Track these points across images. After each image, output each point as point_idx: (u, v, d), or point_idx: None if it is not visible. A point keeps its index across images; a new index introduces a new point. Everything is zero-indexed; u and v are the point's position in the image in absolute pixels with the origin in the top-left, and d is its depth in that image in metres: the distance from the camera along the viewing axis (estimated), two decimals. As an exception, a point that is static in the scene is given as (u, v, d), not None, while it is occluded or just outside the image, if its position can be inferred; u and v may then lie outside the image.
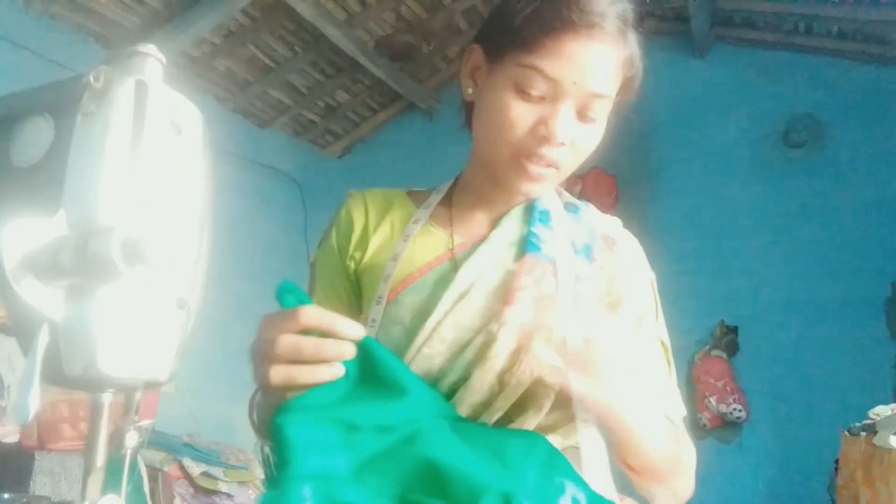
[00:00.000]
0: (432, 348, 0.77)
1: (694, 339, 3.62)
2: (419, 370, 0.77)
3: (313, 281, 0.91)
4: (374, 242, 0.87)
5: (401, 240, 0.84)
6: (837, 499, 2.54)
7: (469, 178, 0.90)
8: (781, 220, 3.65)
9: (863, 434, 2.30)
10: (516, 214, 0.86)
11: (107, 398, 0.50)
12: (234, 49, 3.83)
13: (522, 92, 0.75)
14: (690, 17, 3.67)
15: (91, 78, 0.49)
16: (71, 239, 0.46)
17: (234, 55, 3.87)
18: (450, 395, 0.76)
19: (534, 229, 0.83)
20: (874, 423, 2.27)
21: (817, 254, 3.53)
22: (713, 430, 3.53)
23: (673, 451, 0.72)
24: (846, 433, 2.43)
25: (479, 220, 0.87)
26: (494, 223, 0.86)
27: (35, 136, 0.51)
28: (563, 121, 0.75)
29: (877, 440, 2.20)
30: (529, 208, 0.86)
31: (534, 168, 0.77)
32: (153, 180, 0.51)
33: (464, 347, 0.77)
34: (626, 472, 0.74)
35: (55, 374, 0.47)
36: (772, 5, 3.59)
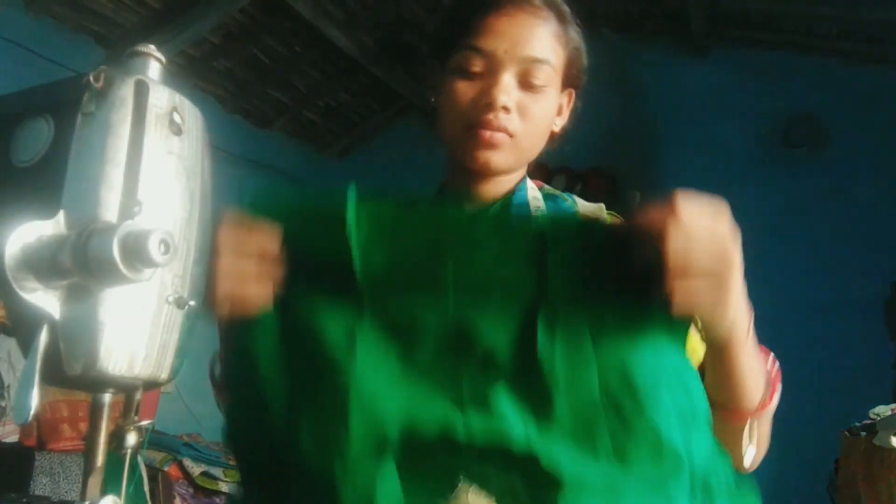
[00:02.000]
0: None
1: (694, 339, 3.62)
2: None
3: None
4: None
5: None
6: (837, 499, 2.54)
7: (448, 181, 0.92)
8: (781, 220, 3.64)
9: (863, 434, 2.30)
10: (495, 210, 0.87)
11: (107, 398, 0.51)
12: (234, 49, 3.83)
13: (464, 72, 0.79)
14: (690, 17, 3.67)
15: (91, 78, 0.49)
16: (71, 239, 0.46)
17: (234, 55, 3.87)
18: None
19: None
20: (874, 423, 2.27)
21: (817, 254, 3.53)
22: (713, 430, 3.52)
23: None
24: (846, 433, 2.43)
25: None
26: None
27: (35, 136, 0.51)
28: (503, 87, 0.77)
29: (877, 440, 2.20)
30: (507, 203, 0.86)
31: (485, 132, 0.78)
32: (153, 180, 0.51)
33: None
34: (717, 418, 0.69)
35: (55, 374, 0.47)
36: (772, 5, 3.59)
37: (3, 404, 2.57)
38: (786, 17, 3.61)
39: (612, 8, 4.00)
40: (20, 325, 0.49)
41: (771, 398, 0.72)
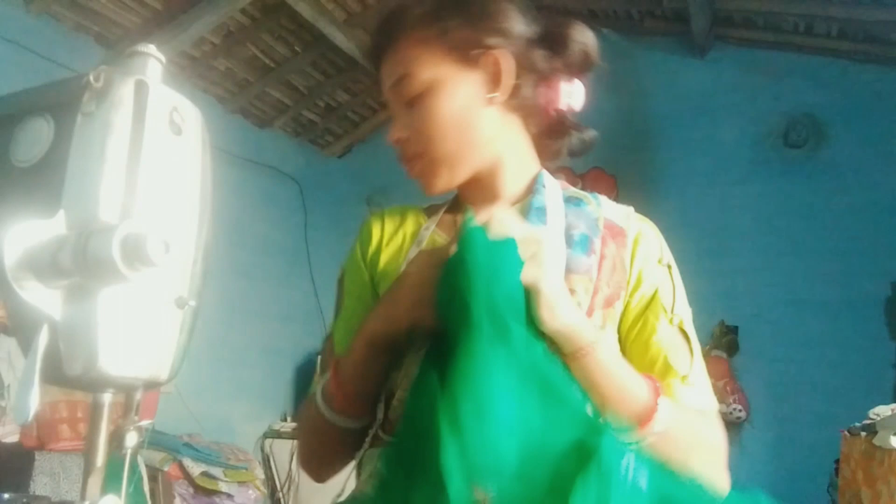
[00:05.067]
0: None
1: (694, 339, 3.62)
2: (415, 373, 0.77)
3: (341, 295, 0.95)
4: (387, 253, 0.91)
5: (413, 246, 0.87)
6: (837, 499, 2.54)
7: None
8: (781, 220, 3.65)
9: (863, 434, 2.30)
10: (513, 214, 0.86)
11: (107, 398, 0.50)
12: (234, 49, 3.82)
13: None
14: (690, 17, 3.67)
15: (91, 78, 0.49)
16: (71, 239, 0.46)
17: (234, 55, 3.87)
18: None
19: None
20: (874, 423, 2.27)
21: (817, 254, 3.53)
22: (713, 430, 3.52)
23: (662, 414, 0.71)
24: (846, 433, 2.43)
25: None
26: None
27: (35, 136, 0.51)
28: (393, 124, 0.86)
29: (877, 440, 2.20)
30: (527, 206, 0.86)
31: (406, 166, 0.87)
32: (153, 180, 0.50)
33: None
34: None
35: (55, 374, 0.47)
36: (772, 5, 3.59)
37: (3, 404, 2.57)
38: (786, 17, 3.60)
39: (612, 8, 4.00)
40: (20, 325, 0.49)
41: (642, 426, 0.70)
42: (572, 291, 0.78)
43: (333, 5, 3.74)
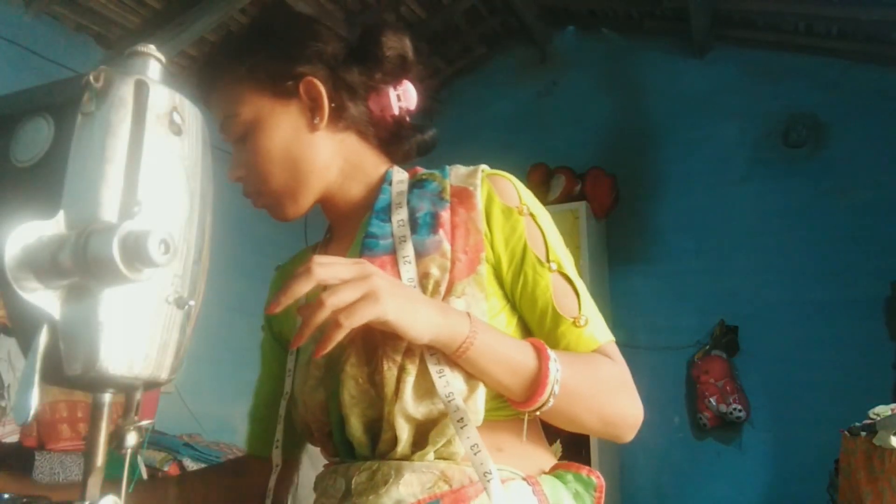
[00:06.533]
0: (312, 377, 0.79)
1: (694, 339, 3.63)
2: (313, 403, 0.79)
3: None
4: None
5: None
6: (837, 499, 2.54)
7: None
8: (781, 220, 3.65)
9: (863, 434, 2.30)
10: (365, 224, 0.86)
11: (107, 398, 0.50)
12: (234, 49, 3.83)
13: None
14: (690, 17, 3.67)
15: (91, 78, 0.49)
16: (71, 239, 0.46)
17: (234, 55, 3.87)
18: (340, 416, 0.77)
19: (371, 230, 0.83)
20: (874, 423, 2.27)
21: (817, 254, 3.53)
22: (713, 430, 3.53)
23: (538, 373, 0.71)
24: (846, 433, 2.43)
25: (345, 245, 0.89)
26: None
27: (35, 136, 0.51)
28: (231, 166, 0.87)
29: (877, 440, 2.20)
30: (371, 212, 0.86)
31: (251, 201, 0.89)
32: (153, 180, 0.50)
33: (334, 365, 0.78)
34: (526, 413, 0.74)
35: (55, 374, 0.47)
36: (772, 5, 3.59)
37: (3, 404, 2.57)
38: (786, 17, 3.61)
39: (612, 8, 4.00)
40: (20, 325, 0.49)
41: (533, 400, 0.71)
42: (427, 275, 0.76)
43: (333, 6, 3.74)
